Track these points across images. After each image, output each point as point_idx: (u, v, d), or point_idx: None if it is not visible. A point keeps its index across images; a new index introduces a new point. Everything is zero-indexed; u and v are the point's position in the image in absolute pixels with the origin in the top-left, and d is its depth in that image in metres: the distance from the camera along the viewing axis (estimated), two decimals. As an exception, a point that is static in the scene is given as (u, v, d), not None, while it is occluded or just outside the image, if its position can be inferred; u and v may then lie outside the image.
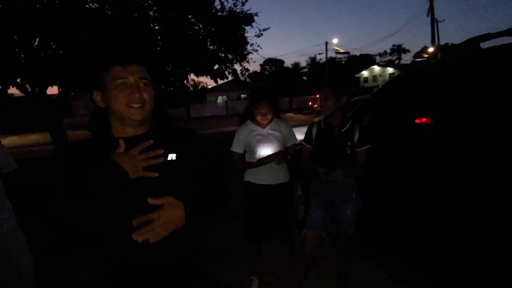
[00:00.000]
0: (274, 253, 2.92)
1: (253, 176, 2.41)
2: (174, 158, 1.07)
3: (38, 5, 6.24)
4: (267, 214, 2.39)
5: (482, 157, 1.67)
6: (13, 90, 9.15)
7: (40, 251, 2.48)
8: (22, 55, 7.08)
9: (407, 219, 2.15)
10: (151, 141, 1.02)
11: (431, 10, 18.49)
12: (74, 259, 3.12)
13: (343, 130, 2.15)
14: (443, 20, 21.24)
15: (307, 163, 2.31)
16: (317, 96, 2.36)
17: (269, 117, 2.33)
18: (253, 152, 2.36)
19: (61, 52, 6.98)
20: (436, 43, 19.53)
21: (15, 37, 6.68)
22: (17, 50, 6.98)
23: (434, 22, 18.70)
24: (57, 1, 6.44)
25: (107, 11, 7.21)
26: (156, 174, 1.01)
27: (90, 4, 7.07)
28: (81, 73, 6.57)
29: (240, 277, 2.70)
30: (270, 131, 2.36)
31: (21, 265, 1.94)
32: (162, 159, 1.03)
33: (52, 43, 7.04)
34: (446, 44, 38.36)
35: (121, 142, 1.01)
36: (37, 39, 7.01)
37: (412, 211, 2.09)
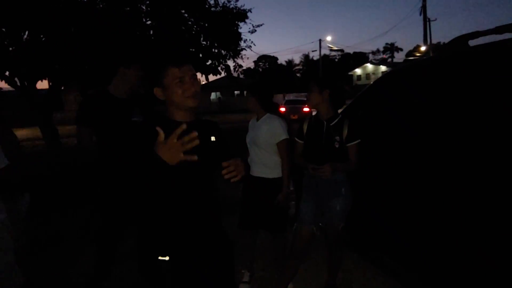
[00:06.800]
0: (266, 248, 2.94)
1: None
2: (214, 139, 1.41)
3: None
4: (257, 205, 2.43)
5: (473, 153, 1.70)
6: (2, 84, 8.99)
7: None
8: (11, 48, 6.95)
9: (399, 215, 2.18)
10: (195, 133, 1.14)
11: (423, 9, 18.69)
12: (73, 252, 3.13)
13: (331, 124, 2.17)
14: (435, 19, 21.48)
15: (299, 159, 2.33)
16: None
17: (254, 109, 2.43)
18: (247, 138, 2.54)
19: (51, 45, 6.86)
20: (428, 42, 19.74)
21: (4, 29, 6.55)
22: (6, 43, 6.84)
23: (426, 21, 18.91)
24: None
25: (99, 5, 7.10)
26: (195, 157, 1.14)
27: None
28: (99, 71, 6.65)
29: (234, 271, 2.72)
30: (258, 124, 2.46)
31: None
32: (198, 142, 1.15)
33: (42, 36, 6.92)
34: (438, 43, 38.82)
35: (160, 132, 1.13)
36: (27, 32, 6.87)
37: (404, 206, 2.13)
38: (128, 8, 7.39)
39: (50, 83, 8.21)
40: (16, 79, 7.40)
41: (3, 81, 7.41)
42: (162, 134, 1.13)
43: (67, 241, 3.42)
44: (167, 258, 1.29)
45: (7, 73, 7.17)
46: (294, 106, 15.55)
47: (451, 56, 1.96)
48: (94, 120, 2.27)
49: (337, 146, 2.14)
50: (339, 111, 2.33)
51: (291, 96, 16.79)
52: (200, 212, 1.35)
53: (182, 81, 1.29)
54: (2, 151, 1.82)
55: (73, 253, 3.14)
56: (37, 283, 2.51)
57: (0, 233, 1.85)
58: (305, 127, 2.32)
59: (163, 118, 1.35)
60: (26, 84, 7.52)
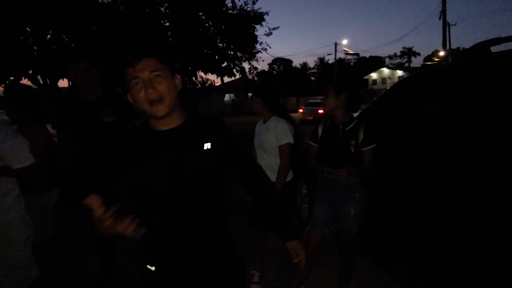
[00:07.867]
0: (277, 251, 2.94)
1: None
2: (209, 147, 1.11)
3: (52, -1, 6.33)
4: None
5: (487, 157, 1.67)
6: (25, 82, 9.29)
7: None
8: (35, 47, 7.20)
9: (413, 220, 2.15)
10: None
11: (443, 14, 18.32)
12: (80, 250, 3.20)
13: (347, 128, 2.16)
14: (455, 24, 21.03)
15: (313, 162, 2.33)
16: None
17: (261, 111, 2.44)
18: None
19: (73, 45, 7.08)
20: (448, 47, 19.32)
21: (28, 29, 6.80)
22: (30, 42, 7.10)
23: (446, 25, 18.52)
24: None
25: (119, 7, 7.29)
26: (143, 231, 0.95)
27: (103, -1, 7.16)
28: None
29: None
30: (265, 126, 2.45)
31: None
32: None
33: (64, 37, 7.15)
34: (458, 48, 37.97)
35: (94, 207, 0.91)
36: (50, 32, 7.12)
37: (417, 211, 2.10)
38: (147, 10, 7.56)
39: (70, 82, 8.46)
40: (38, 77, 7.66)
41: (26, 79, 7.69)
42: (97, 211, 0.89)
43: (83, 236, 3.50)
44: (153, 268, 1.17)
45: (30, 71, 7.43)
46: (312, 108, 16.99)
47: (471, 62, 1.92)
48: (69, 123, 2.34)
49: (352, 150, 2.13)
50: (355, 115, 2.32)
51: (310, 99, 19.51)
52: (193, 225, 1.15)
53: (139, 81, 1.02)
54: (29, 148, 1.85)
55: (86, 248, 3.21)
56: (51, 278, 2.57)
57: (18, 228, 1.86)
58: (320, 130, 2.31)
59: (143, 128, 1.14)
60: (48, 82, 7.77)
